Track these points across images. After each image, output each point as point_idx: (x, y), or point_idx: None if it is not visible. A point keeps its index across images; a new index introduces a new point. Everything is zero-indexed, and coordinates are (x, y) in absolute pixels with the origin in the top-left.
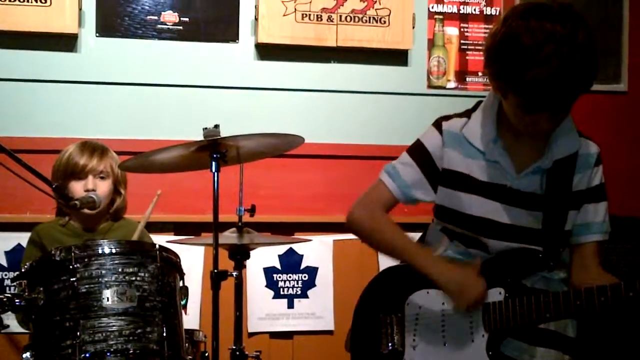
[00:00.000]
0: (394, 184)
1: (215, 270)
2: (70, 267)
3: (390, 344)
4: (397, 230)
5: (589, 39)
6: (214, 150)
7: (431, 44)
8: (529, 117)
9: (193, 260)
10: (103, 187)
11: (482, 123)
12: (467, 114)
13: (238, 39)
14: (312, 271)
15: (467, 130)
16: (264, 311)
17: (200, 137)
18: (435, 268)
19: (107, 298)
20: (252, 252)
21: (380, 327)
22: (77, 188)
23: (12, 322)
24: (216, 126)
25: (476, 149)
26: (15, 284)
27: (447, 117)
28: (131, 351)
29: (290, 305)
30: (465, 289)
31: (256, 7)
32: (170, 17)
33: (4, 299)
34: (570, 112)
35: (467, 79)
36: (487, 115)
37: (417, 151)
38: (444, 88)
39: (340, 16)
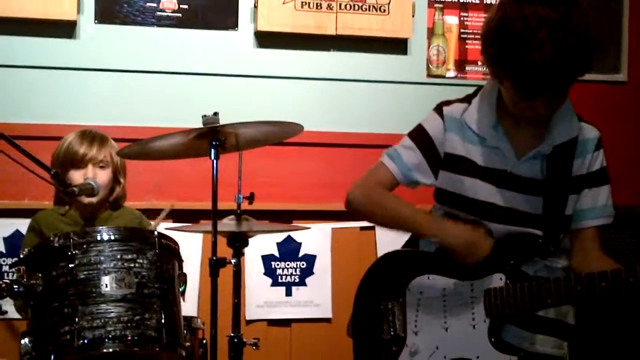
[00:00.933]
0: (395, 166)
1: (214, 258)
2: (69, 253)
3: (392, 330)
4: (397, 200)
5: (583, 23)
6: (213, 137)
7: (431, 32)
8: (525, 102)
9: (191, 247)
10: (103, 176)
11: (482, 109)
12: (468, 99)
13: (237, 27)
14: (311, 259)
15: (467, 115)
16: (262, 299)
17: (199, 124)
18: (441, 230)
19: (106, 284)
20: (250, 240)
21: (381, 313)
22: (77, 177)
23: (10, 307)
24: (215, 114)
25: (476, 135)
26: (13, 270)
27: (448, 102)
28: (129, 337)
29: (289, 293)
30: (473, 248)
31: None
32: (169, 4)
33: (3, 285)
34: (569, 97)
35: (467, 67)
36: (487, 101)
37: (419, 135)
38: (444, 77)
39: (340, 4)
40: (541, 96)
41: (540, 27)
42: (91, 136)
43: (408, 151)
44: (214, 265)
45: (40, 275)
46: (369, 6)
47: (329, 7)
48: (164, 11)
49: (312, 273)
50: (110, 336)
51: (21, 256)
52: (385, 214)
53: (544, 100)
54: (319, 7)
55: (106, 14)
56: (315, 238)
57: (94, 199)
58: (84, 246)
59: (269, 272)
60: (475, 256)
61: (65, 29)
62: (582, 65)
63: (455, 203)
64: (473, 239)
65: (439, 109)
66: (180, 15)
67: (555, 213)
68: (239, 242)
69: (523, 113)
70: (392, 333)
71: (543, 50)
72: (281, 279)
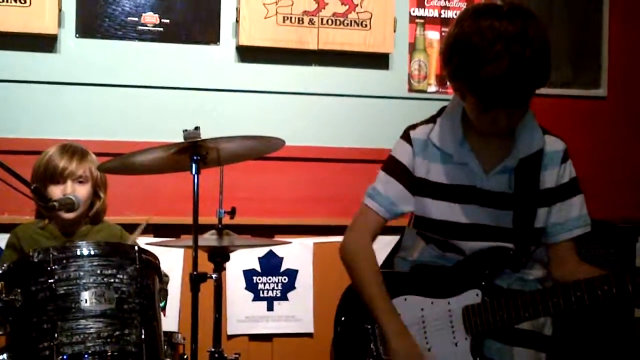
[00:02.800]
0: (377, 204)
1: (195, 273)
2: (49, 268)
3: (375, 353)
4: (375, 279)
5: (539, 36)
6: (194, 152)
7: (412, 47)
8: (486, 115)
9: (172, 262)
10: (82, 192)
11: (448, 127)
12: (433, 119)
13: (219, 41)
14: (292, 274)
15: (433, 135)
16: (244, 313)
17: (180, 139)
18: (392, 331)
19: (85, 300)
20: (231, 255)
21: (362, 336)
22: (56, 192)
23: None
24: (196, 128)
25: (444, 153)
26: None
27: (414, 126)
28: (109, 353)
29: (270, 308)
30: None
31: (237, 9)
32: (150, 18)
33: None
34: (531, 109)
35: (448, 83)
36: (452, 118)
37: (393, 166)
38: (425, 92)
39: (322, 19)
40: (501, 108)
41: (497, 40)
42: (71, 151)
43: (386, 185)
44: (194, 280)
45: (19, 290)
46: (351, 21)
47: (311, 22)
48: (146, 25)
49: (294, 288)
50: (89, 352)
51: (0, 271)
52: (358, 286)
53: (505, 112)
54: (300, 22)
55: (87, 28)
56: (297, 253)
57: (72, 215)
58: (64, 261)
59: (251, 286)
60: None
61: (46, 43)
62: (540, 76)
63: (425, 225)
64: (413, 353)
65: (406, 135)
66: (161, 29)
67: (525, 226)
68: (220, 256)
69: (486, 126)
70: (375, 356)
71: (500, 62)
72: (263, 293)
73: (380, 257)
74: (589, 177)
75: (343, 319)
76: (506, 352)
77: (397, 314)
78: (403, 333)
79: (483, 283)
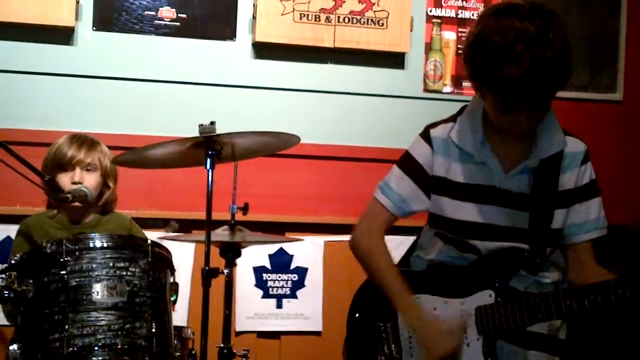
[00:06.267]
0: (389, 201)
1: (207, 268)
2: (61, 260)
3: (387, 352)
4: (388, 266)
5: (560, 36)
6: (209, 147)
7: (428, 47)
8: (507, 116)
9: (183, 257)
10: (90, 180)
11: (469, 126)
12: (453, 118)
13: (235, 37)
14: (302, 272)
15: (454, 134)
16: (253, 310)
17: (195, 133)
18: (407, 319)
19: (97, 292)
20: (242, 251)
21: (375, 334)
22: (65, 180)
23: None
24: (212, 123)
25: (464, 152)
26: (4, 275)
27: (434, 125)
28: (119, 346)
29: (279, 305)
30: (436, 342)
31: (254, 6)
32: (167, 13)
33: None
34: (553, 110)
35: (464, 83)
36: (472, 118)
37: (407, 163)
38: (440, 92)
39: (339, 17)
40: (522, 109)
41: (517, 40)
42: (80, 140)
43: (399, 182)
44: (206, 275)
45: (31, 281)
46: (368, 20)
47: (328, 19)
48: (163, 20)
49: (304, 286)
50: (100, 344)
51: (12, 262)
52: (373, 276)
53: (525, 113)
54: (317, 20)
55: (104, 21)
56: (307, 250)
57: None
58: (77, 253)
59: (260, 283)
60: (437, 351)
61: (63, 35)
62: (560, 77)
63: (442, 224)
64: (437, 334)
65: (425, 133)
66: (178, 24)
67: (541, 227)
68: (231, 252)
69: (507, 127)
70: (388, 355)
71: (521, 63)
72: (272, 291)
73: (397, 257)
74: (604, 182)
75: (355, 318)
76: (519, 354)
77: (415, 303)
78: (425, 318)
79: (497, 284)
